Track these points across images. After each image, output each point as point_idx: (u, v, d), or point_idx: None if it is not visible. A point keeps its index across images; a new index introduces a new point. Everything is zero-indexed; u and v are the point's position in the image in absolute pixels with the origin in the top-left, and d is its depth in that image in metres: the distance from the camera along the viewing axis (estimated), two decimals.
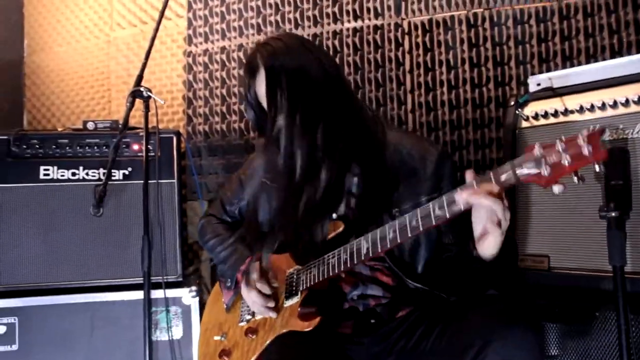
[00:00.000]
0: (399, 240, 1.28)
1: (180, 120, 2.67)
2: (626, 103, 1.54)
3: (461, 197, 1.19)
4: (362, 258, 1.33)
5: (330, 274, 1.39)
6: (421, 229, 1.24)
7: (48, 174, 2.14)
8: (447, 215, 1.21)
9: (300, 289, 1.43)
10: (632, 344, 1.40)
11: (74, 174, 2.16)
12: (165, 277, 2.13)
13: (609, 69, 1.63)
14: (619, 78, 1.59)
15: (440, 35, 2.30)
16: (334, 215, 1.49)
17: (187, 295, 2.18)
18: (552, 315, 1.62)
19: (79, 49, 2.77)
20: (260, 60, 1.46)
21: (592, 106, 1.61)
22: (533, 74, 2.16)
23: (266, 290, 1.47)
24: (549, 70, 2.11)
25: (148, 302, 1.93)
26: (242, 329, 1.54)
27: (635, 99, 1.52)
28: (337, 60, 2.36)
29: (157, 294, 2.10)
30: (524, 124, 1.76)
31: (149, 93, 2.04)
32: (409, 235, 1.26)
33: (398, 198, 1.46)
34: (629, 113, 1.53)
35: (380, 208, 1.45)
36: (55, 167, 2.15)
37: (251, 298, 1.48)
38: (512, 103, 1.79)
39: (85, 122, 2.24)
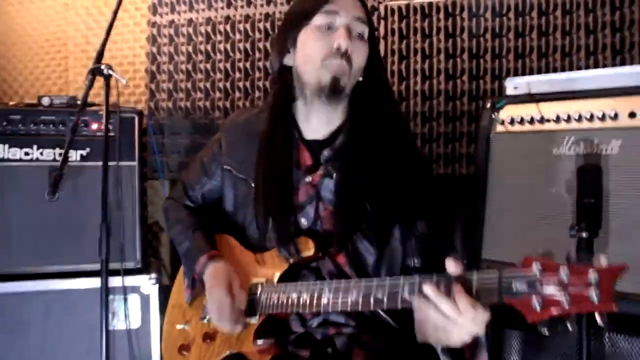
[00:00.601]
0: (359, 308, 1.19)
1: (142, 94, 2.54)
2: (602, 118, 1.52)
3: (430, 292, 1.07)
4: (321, 309, 1.26)
5: (288, 310, 1.31)
6: (385, 305, 1.15)
7: None
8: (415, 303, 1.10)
9: (259, 311, 1.35)
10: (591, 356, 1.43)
11: (27, 154, 2.04)
12: (123, 264, 2.06)
13: (588, 80, 1.61)
14: (598, 91, 1.56)
15: (417, 23, 2.22)
16: (303, 220, 1.42)
17: (146, 283, 2.12)
18: (514, 322, 1.63)
19: (32, 10, 2.57)
20: None
21: (569, 117, 1.59)
22: (508, 69, 2.13)
23: (227, 310, 1.35)
24: (524, 65, 2.07)
25: (106, 291, 1.84)
26: (201, 328, 1.47)
27: (612, 115, 1.50)
28: None
29: (115, 281, 2.02)
30: (499, 127, 1.73)
31: (110, 71, 1.90)
32: (371, 307, 1.18)
33: (373, 212, 1.36)
34: (605, 128, 1.52)
35: (353, 222, 1.36)
36: (6, 146, 2.02)
37: (212, 310, 1.40)
38: (488, 105, 1.76)
39: (40, 97, 2.09)
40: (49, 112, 2.06)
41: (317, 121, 1.45)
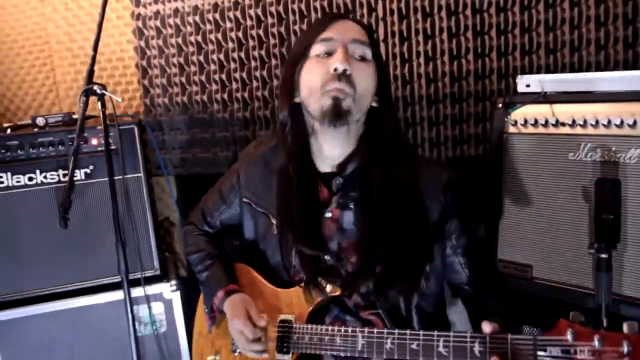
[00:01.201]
0: (395, 356, 1.24)
1: (136, 91, 2.45)
2: (620, 124, 1.49)
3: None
4: (356, 354, 1.30)
5: (321, 352, 1.36)
6: (420, 357, 1.20)
7: (2, 182, 1.97)
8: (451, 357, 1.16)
9: (292, 350, 1.40)
10: None
11: (30, 179, 2.00)
12: (143, 273, 2.10)
13: (604, 81, 1.56)
14: (615, 94, 1.52)
15: (419, 24, 2.10)
16: (327, 258, 1.43)
17: (167, 290, 2.16)
18: (532, 320, 1.69)
19: (8, 7, 2.42)
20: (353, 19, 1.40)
21: (585, 122, 1.56)
22: (515, 66, 2.05)
23: (250, 333, 1.41)
24: (531, 62, 1.99)
25: (130, 303, 1.90)
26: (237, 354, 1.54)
27: (630, 122, 1.47)
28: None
29: (137, 291, 2.07)
30: (512, 129, 1.70)
31: (103, 91, 1.85)
32: (407, 356, 1.22)
33: (400, 239, 1.37)
34: (623, 135, 1.49)
35: (375, 256, 1.37)
36: (9, 174, 1.98)
37: (237, 339, 1.45)
38: (500, 105, 1.72)
39: (34, 118, 2.03)
40: (45, 133, 2.01)
41: (330, 153, 1.44)
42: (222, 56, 2.31)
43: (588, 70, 2.00)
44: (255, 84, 2.31)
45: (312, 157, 1.46)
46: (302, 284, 1.42)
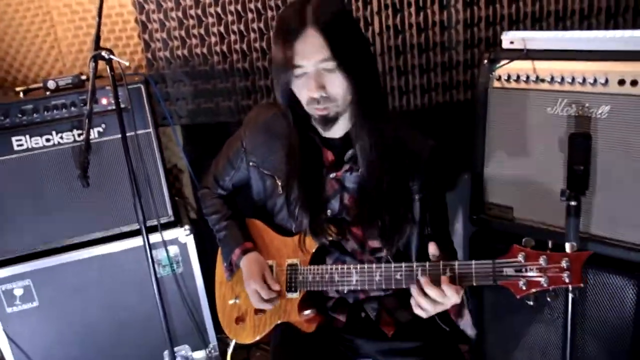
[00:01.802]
0: (383, 286, 1.46)
1: (137, 45, 2.52)
2: (594, 82, 1.63)
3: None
4: (352, 288, 1.52)
5: (323, 288, 1.57)
6: (403, 285, 1.42)
7: (22, 144, 2.11)
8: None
9: (299, 288, 1.61)
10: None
11: (48, 140, 2.13)
12: (159, 220, 2.28)
13: (583, 41, 1.67)
14: (591, 53, 1.65)
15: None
16: (329, 212, 1.62)
17: (182, 234, 2.35)
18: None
19: None
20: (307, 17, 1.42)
21: (563, 79, 1.69)
22: (502, 14, 2.17)
23: (266, 295, 1.61)
24: (518, 10, 2.09)
25: (149, 248, 2.08)
26: (251, 303, 1.72)
27: (603, 81, 1.61)
28: None
29: (154, 237, 2.26)
30: (496, 83, 1.83)
31: (111, 56, 1.94)
32: (393, 286, 1.44)
33: (394, 194, 1.55)
34: (596, 93, 1.64)
35: (376, 208, 1.55)
36: (27, 136, 2.11)
37: (251, 296, 1.65)
38: (486, 61, 1.84)
39: (45, 82, 2.13)
40: (57, 96, 2.11)
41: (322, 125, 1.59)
42: (219, 9, 2.37)
43: (572, 17, 2.12)
44: (252, 35, 2.39)
45: (313, 124, 1.60)
46: (306, 231, 1.61)
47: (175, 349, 2.41)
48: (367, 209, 1.57)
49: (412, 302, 1.42)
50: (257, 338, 1.72)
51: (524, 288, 1.26)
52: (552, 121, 1.73)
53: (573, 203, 1.57)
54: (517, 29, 2.15)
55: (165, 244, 2.32)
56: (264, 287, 1.60)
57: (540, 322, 1.87)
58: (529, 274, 1.25)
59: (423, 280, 1.36)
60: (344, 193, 1.61)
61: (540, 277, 1.24)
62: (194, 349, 2.50)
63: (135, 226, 2.24)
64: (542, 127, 1.76)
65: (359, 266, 1.51)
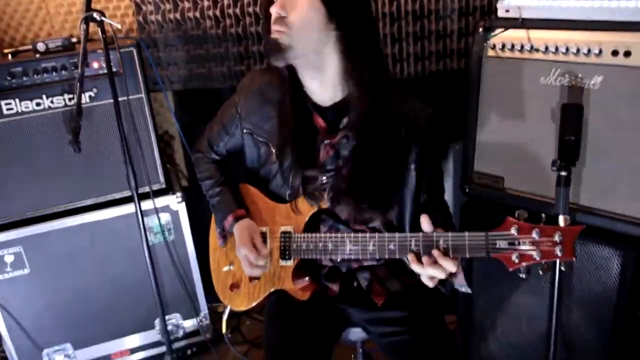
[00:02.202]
0: (377, 256, 1.46)
1: (128, 7, 2.47)
2: (588, 53, 1.62)
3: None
4: (346, 257, 1.52)
5: (317, 256, 1.57)
6: (397, 255, 1.42)
7: (11, 108, 2.08)
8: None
9: (293, 256, 1.62)
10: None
11: (38, 104, 2.11)
12: (151, 186, 2.27)
13: (578, 10, 1.66)
14: (587, 23, 1.64)
15: None
16: (324, 178, 1.61)
17: (174, 202, 2.35)
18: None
19: None
20: None
21: (557, 49, 1.68)
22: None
23: (254, 259, 1.60)
24: None
25: (141, 213, 2.09)
26: None
27: (596, 51, 1.60)
28: None
29: (146, 204, 2.25)
30: (490, 52, 1.82)
31: (102, 17, 1.91)
32: (386, 256, 1.44)
33: (389, 163, 1.54)
34: (589, 63, 1.63)
35: (371, 177, 1.53)
36: (17, 100, 2.08)
37: (242, 261, 1.65)
38: (481, 30, 1.82)
39: (34, 44, 2.09)
40: (48, 59, 2.08)
41: (315, 86, 1.58)
42: None
43: None
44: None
45: (305, 91, 1.59)
46: (300, 197, 1.61)
47: (167, 317, 2.43)
48: (362, 178, 1.56)
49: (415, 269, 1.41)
50: (252, 305, 1.73)
51: (516, 261, 1.26)
52: (545, 91, 1.72)
53: (563, 173, 1.57)
54: None
55: (157, 211, 2.32)
56: (252, 251, 1.60)
57: (527, 291, 1.90)
58: (522, 247, 1.25)
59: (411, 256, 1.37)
60: (339, 160, 1.60)
61: (533, 250, 1.25)
62: (185, 318, 2.52)
63: (127, 193, 2.24)
64: (535, 96, 1.75)
65: (352, 235, 1.50)
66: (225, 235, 1.76)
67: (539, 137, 1.77)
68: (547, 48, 1.69)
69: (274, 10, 1.45)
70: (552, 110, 1.72)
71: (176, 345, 2.51)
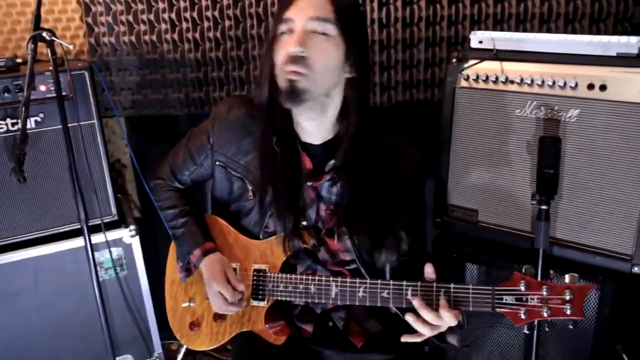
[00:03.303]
0: (367, 303, 1.38)
1: (78, 28, 2.32)
2: (564, 85, 1.62)
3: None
4: (330, 302, 1.43)
5: (295, 299, 1.48)
6: (391, 303, 1.35)
7: None
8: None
9: (267, 297, 1.51)
10: None
11: None
12: (102, 219, 2.11)
13: (552, 43, 1.66)
14: (563, 56, 1.64)
15: None
16: (304, 222, 1.51)
17: (127, 235, 2.19)
18: (474, 259, 1.88)
19: None
20: None
21: (532, 81, 1.67)
22: (464, 14, 2.18)
23: (230, 296, 1.50)
24: (480, 10, 2.10)
25: (91, 249, 1.92)
26: (209, 307, 1.61)
27: (572, 85, 1.61)
28: None
29: (96, 238, 2.08)
30: (464, 83, 1.80)
31: (52, 37, 1.77)
32: (378, 303, 1.36)
33: (374, 209, 1.46)
34: (565, 96, 1.63)
35: (354, 222, 1.46)
36: None
37: (213, 299, 1.54)
38: (454, 60, 1.80)
39: None
40: None
41: (308, 125, 1.49)
42: None
43: (532, 20, 2.13)
44: (206, 24, 2.26)
45: (295, 129, 1.50)
46: (279, 236, 1.50)
47: (117, 358, 2.24)
48: (345, 223, 1.49)
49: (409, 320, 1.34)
50: (214, 346, 1.62)
51: (523, 317, 1.24)
52: (521, 123, 1.71)
53: (543, 207, 1.55)
54: (479, 29, 2.13)
55: (108, 245, 2.15)
56: (227, 288, 1.48)
57: (502, 325, 1.86)
58: (530, 303, 1.23)
59: (416, 302, 1.30)
60: (320, 203, 1.52)
61: (541, 307, 1.22)
62: (137, 359, 2.34)
63: (75, 226, 2.08)
64: (509, 129, 1.73)
65: (340, 279, 1.42)
66: (189, 269, 1.63)
67: (514, 169, 1.75)
68: (522, 80, 1.68)
69: (293, 48, 1.32)
70: (528, 143, 1.71)
71: None
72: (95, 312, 1.94)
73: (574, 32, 2.12)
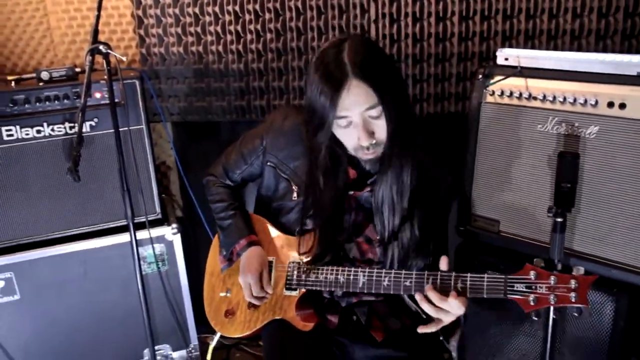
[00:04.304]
0: (391, 292, 1.48)
1: (132, 39, 2.51)
2: (584, 103, 1.67)
3: (422, 300, 1.40)
4: (357, 290, 1.54)
5: (325, 288, 1.59)
6: (413, 291, 1.44)
7: (12, 134, 2.08)
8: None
9: (299, 287, 1.63)
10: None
11: (39, 132, 2.11)
12: (147, 217, 2.27)
13: (575, 62, 1.72)
14: (584, 74, 1.70)
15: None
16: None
17: (169, 232, 2.35)
18: (495, 267, 1.93)
19: None
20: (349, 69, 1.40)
21: (554, 98, 1.73)
22: (496, 30, 2.24)
23: (257, 292, 1.64)
24: (512, 26, 2.15)
25: (136, 244, 2.08)
26: (244, 297, 1.73)
27: (593, 102, 1.66)
28: None
29: (141, 234, 2.25)
30: (489, 98, 1.87)
31: (108, 50, 1.94)
32: (401, 292, 1.47)
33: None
34: (585, 113, 1.68)
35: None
36: (18, 127, 2.08)
37: (244, 288, 1.67)
38: (480, 76, 1.87)
39: (38, 72, 2.11)
40: (50, 87, 2.10)
41: None
42: (217, 9, 2.38)
43: (564, 36, 2.17)
44: (249, 37, 2.40)
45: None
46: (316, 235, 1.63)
47: (156, 347, 2.39)
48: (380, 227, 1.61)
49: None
50: (246, 333, 1.72)
51: (532, 304, 1.33)
52: (542, 138, 1.77)
53: (559, 219, 1.60)
54: (510, 45, 2.19)
55: (152, 241, 2.31)
56: (257, 285, 1.62)
57: (520, 334, 1.91)
58: (539, 291, 1.32)
59: (428, 288, 1.40)
60: (359, 211, 1.64)
61: (549, 294, 1.32)
62: (174, 349, 2.49)
63: (121, 222, 2.23)
64: (531, 143, 1.80)
65: (367, 270, 1.53)
66: (232, 259, 1.76)
67: (535, 182, 1.81)
68: (544, 97, 1.74)
69: (366, 141, 1.45)
70: (549, 157, 1.77)
71: None
72: (137, 303, 2.09)
73: (605, 49, 2.15)
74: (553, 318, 1.64)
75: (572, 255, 1.75)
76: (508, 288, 1.36)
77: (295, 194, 1.66)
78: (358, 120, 1.44)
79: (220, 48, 2.44)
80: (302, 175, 1.65)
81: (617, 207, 1.66)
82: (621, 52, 2.10)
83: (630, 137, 1.61)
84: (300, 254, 1.65)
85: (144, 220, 2.25)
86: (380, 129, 1.46)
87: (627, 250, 1.66)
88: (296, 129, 1.66)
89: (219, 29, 2.41)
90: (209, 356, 2.00)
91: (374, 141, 1.46)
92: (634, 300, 1.66)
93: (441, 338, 1.63)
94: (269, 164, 1.72)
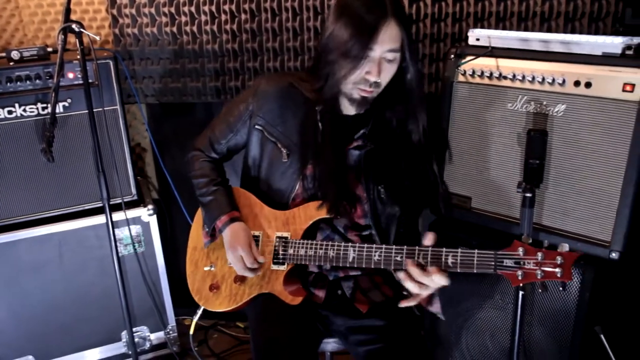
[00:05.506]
0: (381, 267, 1.52)
1: (104, 19, 2.48)
2: (552, 82, 1.72)
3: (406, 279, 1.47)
4: (347, 265, 1.57)
5: (314, 262, 1.62)
6: (403, 266, 1.48)
7: None
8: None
9: (287, 262, 1.66)
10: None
11: (10, 112, 2.09)
12: (123, 198, 2.27)
13: (544, 42, 1.76)
14: (552, 54, 1.74)
15: None
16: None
17: (145, 214, 2.35)
18: (468, 243, 1.99)
19: None
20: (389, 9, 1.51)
21: (524, 77, 1.78)
22: (468, 12, 2.27)
23: (250, 263, 1.65)
24: (483, 8, 2.18)
25: (112, 225, 2.08)
26: (229, 271, 1.75)
27: (560, 81, 1.71)
28: None
29: (117, 215, 2.25)
30: (461, 78, 1.91)
31: (81, 29, 1.93)
32: (391, 267, 1.50)
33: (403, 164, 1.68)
34: (553, 92, 1.73)
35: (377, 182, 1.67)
36: None
37: (234, 261, 1.68)
38: (452, 56, 1.91)
39: (8, 52, 2.08)
40: (21, 67, 2.07)
41: (351, 109, 1.70)
42: None
43: (534, 18, 2.22)
44: (223, 17, 2.40)
45: (339, 104, 1.68)
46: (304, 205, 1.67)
47: (134, 329, 2.41)
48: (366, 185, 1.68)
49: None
50: (232, 307, 1.73)
51: (520, 278, 1.39)
52: (512, 117, 1.82)
53: (528, 195, 1.66)
54: (482, 26, 2.23)
55: (128, 222, 2.31)
56: (250, 255, 1.65)
57: (491, 307, 1.98)
58: (527, 266, 1.38)
59: (409, 263, 1.47)
60: (350, 171, 1.69)
61: (536, 270, 1.38)
62: (152, 330, 2.51)
63: (97, 204, 2.24)
64: (502, 121, 1.84)
65: (357, 245, 1.56)
66: (214, 235, 1.78)
67: (505, 160, 1.86)
68: (514, 76, 1.79)
69: (372, 78, 1.54)
70: (518, 135, 1.82)
71: (142, 358, 2.48)
72: (114, 285, 2.10)
73: (573, 30, 2.20)
74: (522, 294, 1.71)
75: (541, 230, 1.81)
76: (498, 263, 1.41)
77: (285, 156, 1.69)
78: (376, 57, 1.53)
79: (195, 29, 2.43)
80: (290, 137, 1.69)
81: (583, 182, 1.72)
82: (588, 33, 2.15)
83: (595, 114, 1.66)
84: (288, 229, 1.68)
85: (119, 201, 2.25)
86: (388, 73, 1.57)
87: (592, 224, 1.73)
88: (285, 91, 1.71)
89: (193, 9, 2.40)
90: (192, 327, 1.98)
91: (379, 80, 1.55)
92: (598, 272, 1.73)
93: (418, 313, 1.67)
94: (256, 126, 1.74)
